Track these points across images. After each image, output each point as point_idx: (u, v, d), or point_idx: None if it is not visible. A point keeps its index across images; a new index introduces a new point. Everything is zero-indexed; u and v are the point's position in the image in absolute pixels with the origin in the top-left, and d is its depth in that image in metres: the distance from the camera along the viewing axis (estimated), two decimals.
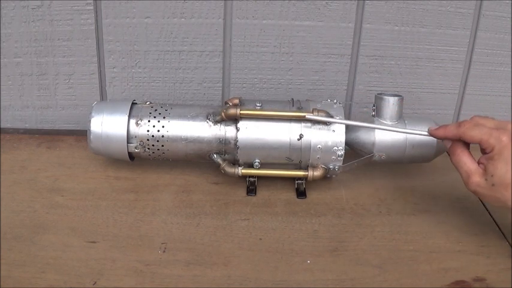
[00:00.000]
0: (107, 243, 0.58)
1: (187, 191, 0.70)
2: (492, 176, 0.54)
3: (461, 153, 0.58)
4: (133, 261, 0.55)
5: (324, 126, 0.67)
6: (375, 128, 0.69)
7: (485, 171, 0.55)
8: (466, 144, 0.59)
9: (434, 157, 0.72)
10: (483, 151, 0.57)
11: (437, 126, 0.61)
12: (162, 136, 0.69)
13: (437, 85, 0.87)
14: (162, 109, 0.70)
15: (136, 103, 0.71)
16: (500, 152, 0.54)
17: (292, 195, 0.70)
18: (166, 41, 0.81)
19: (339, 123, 0.67)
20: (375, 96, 0.72)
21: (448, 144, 0.60)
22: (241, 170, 0.68)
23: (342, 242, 0.60)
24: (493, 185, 0.55)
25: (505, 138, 0.54)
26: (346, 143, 0.68)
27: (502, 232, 0.63)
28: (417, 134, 0.66)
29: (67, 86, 0.84)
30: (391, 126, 0.69)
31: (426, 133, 0.62)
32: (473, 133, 0.57)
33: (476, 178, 0.56)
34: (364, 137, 0.70)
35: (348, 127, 0.71)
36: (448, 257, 0.58)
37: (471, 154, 0.58)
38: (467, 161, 0.57)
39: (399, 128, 0.68)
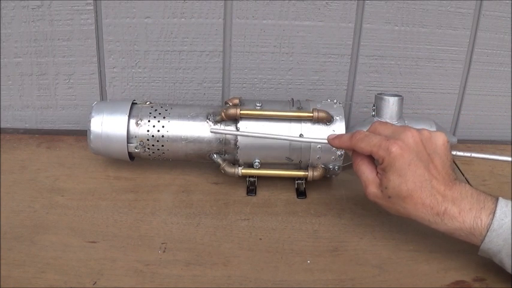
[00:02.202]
0: (107, 243, 0.58)
1: (187, 191, 0.70)
2: (386, 188, 0.53)
3: (360, 162, 0.56)
4: (133, 261, 0.55)
5: (323, 126, 0.67)
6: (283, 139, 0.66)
7: (381, 182, 0.54)
8: (364, 156, 0.56)
9: None
10: (378, 162, 0.54)
11: (335, 135, 0.59)
12: (162, 136, 0.69)
13: (437, 85, 0.87)
14: (162, 109, 0.70)
15: (136, 103, 0.71)
16: (391, 163, 0.52)
17: (292, 195, 0.70)
18: (166, 41, 0.81)
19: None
20: (375, 96, 0.72)
21: (350, 152, 0.58)
22: (241, 170, 0.68)
23: (342, 242, 0.60)
24: (389, 197, 0.53)
25: (394, 149, 0.52)
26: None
27: None
28: (317, 142, 0.65)
29: (67, 86, 0.84)
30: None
31: (325, 141, 0.61)
32: (363, 145, 0.54)
33: (373, 188, 0.54)
34: None
35: (348, 126, 0.71)
36: (448, 257, 0.58)
37: (372, 162, 0.56)
38: (365, 171, 0.55)
39: (299, 138, 0.66)
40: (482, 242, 0.50)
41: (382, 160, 0.53)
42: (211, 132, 0.66)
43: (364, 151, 0.55)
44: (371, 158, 0.56)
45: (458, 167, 0.79)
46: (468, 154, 0.60)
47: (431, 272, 0.56)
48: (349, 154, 0.59)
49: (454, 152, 0.56)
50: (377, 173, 0.55)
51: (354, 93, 0.87)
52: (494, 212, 0.50)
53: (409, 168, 0.52)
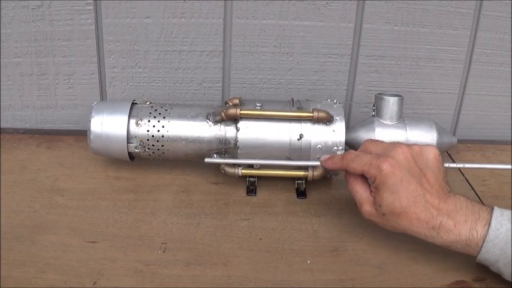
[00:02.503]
0: (107, 243, 0.58)
1: (187, 191, 0.70)
2: (380, 206, 0.53)
3: (353, 182, 0.56)
4: (133, 261, 0.55)
5: (323, 126, 0.67)
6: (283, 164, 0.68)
7: (374, 200, 0.54)
8: (357, 175, 0.57)
9: None
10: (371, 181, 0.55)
11: (327, 157, 0.60)
12: (162, 136, 0.69)
13: (437, 85, 0.87)
14: (162, 109, 0.70)
15: (136, 103, 0.71)
16: (383, 181, 0.52)
17: (292, 195, 0.70)
18: (166, 41, 0.81)
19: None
20: (375, 96, 0.72)
21: (344, 172, 0.59)
22: (241, 170, 0.68)
23: (342, 242, 0.60)
24: (383, 214, 0.53)
25: (385, 167, 0.52)
26: (346, 143, 0.68)
27: None
28: (310, 166, 0.66)
29: (67, 86, 0.84)
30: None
31: (318, 163, 0.62)
32: (355, 165, 0.55)
33: (367, 207, 0.55)
34: (364, 136, 0.70)
35: (348, 126, 0.71)
36: (448, 257, 0.58)
37: (365, 181, 0.56)
38: (359, 190, 0.56)
39: (291, 162, 0.67)
40: (478, 253, 0.51)
41: (374, 178, 0.53)
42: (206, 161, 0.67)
43: (356, 171, 0.55)
44: (364, 177, 0.56)
45: (459, 169, 0.79)
46: (461, 165, 0.60)
47: (431, 272, 0.56)
48: (343, 173, 0.59)
49: (446, 165, 0.57)
50: (370, 191, 0.55)
51: (354, 93, 0.87)
52: (489, 223, 0.50)
53: (402, 184, 0.52)
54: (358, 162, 0.55)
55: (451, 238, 0.51)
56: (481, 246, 0.50)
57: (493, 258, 0.50)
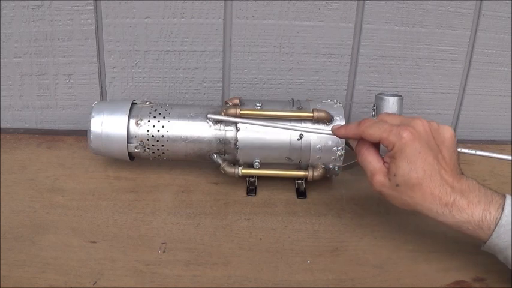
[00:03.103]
0: (107, 243, 0.58)
1: (187, 191, 0.70)
2: (395, 175, 0.51)
3: (366, 152, 0.54)
4: (133, 261, 0.55)
5: (324, 126, 0.67)
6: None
7: (389, 170, 0.52)
8: (374, 143, 0.55)
9: None
10: (387, 149, 0.53)
11: (339, 125, 0.58)
12: (162, 136, 0.69)
13: (437, 85, 0.87)
14: (162, 109, 0.70)
15: (136, 103, 0.71)
16: (401, 149, 0.51)
17: (292, 195, 0.70)
18: (166, 41, 0.81)
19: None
20: (375, 96, 0.72)
21: (354, 143, 0.57)
22: (241, 170, 0.68)
23: (342, 242, 0.60)
24: (397, 185, 0.51)
25: (406, 134, 0.51)
26: (346, 143, 0.68)
27: None
28: (321, 133, 0.64)
29: (67, 86, 0.84)
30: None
31: (330, 132, 0.59)
32: (372, 131, 0.53)
33: (380, 177, 0.53)
34: None
35: None
36: (448, 257, 0.58)
37: (377, 152, 0.54)
38: (372, 160, 0.54)
39: (303, 127, 0.65)
40: (490, 237, 0.49)
41: (393, 146, 0.52)
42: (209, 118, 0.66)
43: (373, 137, 0.53)
44: (376, 148, 0.55)
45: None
46: (473, 152, 0.59)
47: (431, 272, 0.56)
48: (353, 146, 0.58)
49: (459, 149, 0.56)
50: (384, 162, 0.54)
51: (354, 93, 0.87)
52: (503, 207, 0.49)
53: (420, 155, 0.51)
54: (376, 128, 0.53)
55: (464, 218, 0.50)
56: (493, 230, 0.49)
57: (503, 244, 0.49)
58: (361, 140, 0.56)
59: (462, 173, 0.53)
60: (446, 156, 0.52)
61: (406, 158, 0.51)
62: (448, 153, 0.53)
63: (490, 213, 0.49)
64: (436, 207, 0.51)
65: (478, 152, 0.60)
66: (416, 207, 0.52)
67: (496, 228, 0.49)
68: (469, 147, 0.59)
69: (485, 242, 0.50)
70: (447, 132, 0.54)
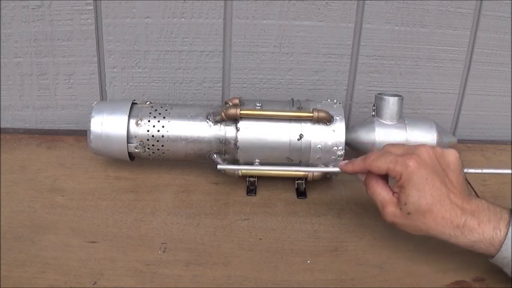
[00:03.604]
0: (107, 243, 0.58)
1: (187, 191, 0.70)
2: (405, 204, 0.52)
3: (375, 185, 0.56)
4: (133, 261, 0.55)
5: (323, 126, 0.67)
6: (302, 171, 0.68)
7: (399, 200, 0.53)
8: (382, 175, 0.56)
9: None
10: (395, 180, 0.54)
11: (347, 162, 0.60)
12: (162, 136, 0.69)
13: (437, 85, 0.87)
14: (162, 109, 0.70)
15: (136, 103, 0.71)
16: (408, 178, 0.52)
17: (292, 195, 0.70)
18: (166, 41, 0.81)
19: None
20: (375, 96, 0.72)
21: (363, 177, 0.58)
22: (241, 170, 0.68)
23: (342, 242, 0.60)
24: (409, 213, 0.52)
25: (411, 163, 0.52)
26: (346, 143, 0.68)
27: None
28: (330, 172, 0.65)
29: (67, 86, 0.84)
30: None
31: (338, 170, 0.61)
32: (379, 163, 0.55)
33: (391, 208, 0.54)
34: (364, 137, 0.70)
35: (348, 126, 0.71)
36: (448, 257, 0.58)
37: (386, 184, 0.56)
38: (381, 192, 0.55)
39: (311, 168, 0.67)
40: (499, 251, 0.50)
41: (400, 176, 0.53)
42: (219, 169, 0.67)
43: (381, 169, 0.55)
44: (384, 180, 0.56)
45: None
46: (479, 170, 0.60)
47: (431, 272, 0.56)
48: (361, 179, 0.59)
49: (465, 170, 0.57)
50: (393, 192, 0.55)
51: (354, 93, 0.87)
52: (510, 222, 0.50)
53: (427, 182, 0.52)
54: (382, 160, 0.54)
55: (475, 237, 0.51)
56: (502, 243, 0.50)
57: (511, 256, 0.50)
58: (369, 173, 0.57)
59: (470, 194, 0.54)
60: (453, 179, 0.53)
61: (414, 186, 0.52)
62: (455, 176, 0.54)
63: (500, 230, 0.50)
64: (448, 230, 0.52)
65: (484, 170, 0.60)
66: (429, 232, 0.53)
67: (505, 241, 0.50)
68: (475, 167, 0.59)
69: (493, 256, 0.51)
70: (451, 155, 0.55)
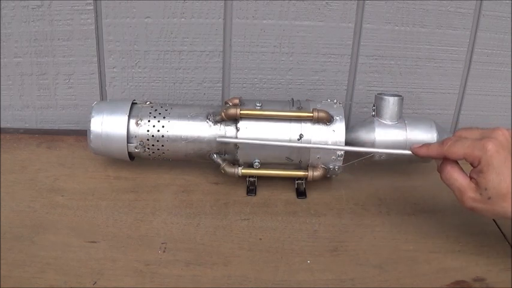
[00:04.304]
0: (107, 243, 0.58)
1: (187, 191, 0.70)
2: (486, 189, 0.52)
3: (451, 170, 0.55)
4: (133, 261, 0.55)
5: (323, 126, 0.67)
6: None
7: (477, 185, 0.53)
8: (454, 162, 0.56)
9: None
10: (472, 166, 0.54)
11: (421, 145, 0.59)
12: (162, 136, 0.69)
13: (437, 85, 0.87)
14: (162, 109, 0.70)
15: (136, 103, 0.71)
16: (488, 162, 0.52)
17: (292, 195, 0.70)
18: (166, 41, 0.81)
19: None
20: (375, 96, 0.72)
21: (438, 162, 0.58)
22: (241, 170, 0.68)
23: (342, 242, 0.60)
24: (489, 198, 0.52)
25: (490, 147, 0.52)
26: (346, 143, 0.68)
27: (502, 232, 0.63)
28: (399, 154, 0.64)
29: (67, 86, 0.84)
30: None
31: (409, 152, 0.60)
32: (456, 148, 0.54)
33: (471, 194, 0.53)
34: (364, 136, 0.70)
35: (348, 126, 0.71)
36: (448, 257, 0.58)
37: (462, 169, 0.55)
38: (458, 177, 0.55)
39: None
40: None
41: (479, 161, 0.52)
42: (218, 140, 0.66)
43: (458, 155, 0.54)
44: (460, 166, 0.56)
45: None
46: None
47: (431, 272, 0.56)
48: (437, 164, 0.58)
49: None
50: (470, 178, 0.54)
51: (354, 93, 0.87)
52: None
53: (505, 164, 0.51)
54: (459, 145, 0.54)
55: None
56: None
57: None
58: (444, 158, 0.56)
59: None
60: None
61: (494, 170, 0.52)
62: None
63: None
64: None
65: None
66: (506, 215, 0.52)
67: None
68: None
69: None
70: None
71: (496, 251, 0.59)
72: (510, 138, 0.54)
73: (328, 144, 0.67)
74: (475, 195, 0.53)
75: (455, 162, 0.56)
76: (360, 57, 0.84)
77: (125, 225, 0.62)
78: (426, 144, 0.59)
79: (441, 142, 0.57)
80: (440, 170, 0.57)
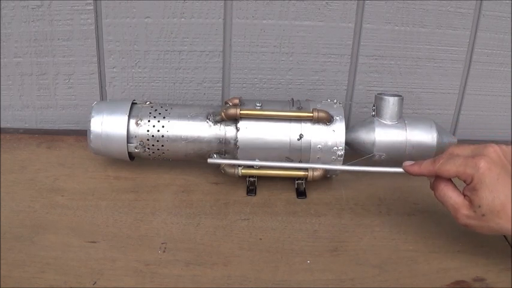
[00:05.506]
0: (107, 243, 0.58)
1: (187, 191, 0.70)
2: (480, 206, 0.52)
3: (445, 188, 0.55)
4: (133, 261, 0.55)
5: (323, 126, 0.67)
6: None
7: (471, 203, 0.53)
8: (447, 180, 0.56)
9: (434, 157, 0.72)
10: (465, 183, 0.54)
11: (412, 163, 0.59)
12: (162, 136, 0.69)
13: (437, 85, 0.87)
14: (162, 109, 0.70)
15: (136, 103, 0.71)
16: (481, 180, 0.52)
17: (292, 195, 0.70)
18: (166, 41, 0.81)
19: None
20: (375, 96, 0.72)
21: (431, 180, 0.58)
22: (241, 170, 0.68)
23: (342, 242, 0.60)
24: (483, 215, 0.52)
25: (482, 164, 0.52)
26: (346, 143, 0.68)
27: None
28: (391, 172, 0.63)
29: (67, 86, 0.84)
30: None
31: (401, 170, 0.60)
32: (448, 167, 0.54)
33: (465, 211, 0.53)
34: (364, 136, 0.70)
35: (348, 126, 0.71)
36: (448, 257, 0.58)
37: (456, 187, 0.55)
38: (452, 195, 0.55)
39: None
40: None
41: (471, 178, 0.53)
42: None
43: (450, 173, 0.54)
44: (453, 183, 0.56)
45: None
46: None
47: (431, 272, 0.56)
48: (430, 181, 0.58)
49: None
50: (464, 195, 0.54)
51: (354, 93, 0.87)
52: None
53: (498, 182, 0.52)
54: (451, 164, 0.54)
55: None
56: None
57: None
58: (437, 176, 0.56)
59: None
60: None
61: (487, 188, 0.52)
62: None
63: None
64: None
65: None
66: (501, 231, 0.53)
67: None
68: None
69: None
70: None
71: (496, 251, 0.59)
72: (502, 155, 0.54)
73: (327, 145, 0.67)
74: (469, 212, 0.53)
75: (449, 179, 0.56)
76: (360, 57, 0.84)
77: (125, 225, 0.62)
78: (418, 162, 0.58)
79: (433, 160, 0.56)
80: (433, 188, 0.57)
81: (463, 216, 0.53)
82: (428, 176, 0.58)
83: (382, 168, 0.63)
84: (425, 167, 0.57)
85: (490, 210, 0.52)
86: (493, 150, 0.54)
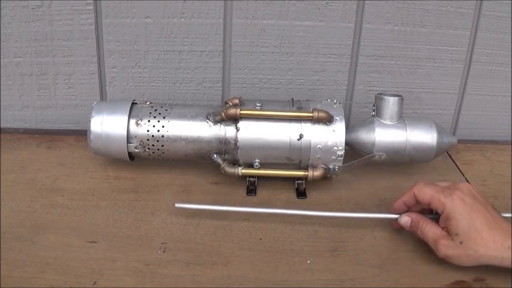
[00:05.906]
0: (107, 243, 0.58)
1: (187, 191, 0.70)
2: (457, 234, 0.54)
3: (423, 224, 0.57)
4: (133, 261, 0.55)
5: (323, 126, 0.67)
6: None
7: (449, 233, 0.55)
8: (425, 217, 0.58)
9: (434, 157, 0.72)
10: (437, 212, 0.57)
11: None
12: (162, 136, 0.69)
13: (437, 85, 0.87)
14: (162, 109, 0.70)
15: (136, 103, 0.71)
16: (454, 209, 0.54)
17: (292, 195, 0.70)
18: (166, 41, 0.81)
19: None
20: (375, 96, 0.72)
21: (408, 223, 0.59)
22: (241, 170, 0.68)
23: (342, 242, 0.60)
24: (461, 242, 0.54)
25: (456, 195, 0.55)
26: (346, 143, 0.68)
27: None
28: (387, 218, 0.63)
29: (67, 86, 0.84)
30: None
31: (396, 216, 0.61)
32: (425, 189, 0.57)
33: (444, 241, 0.55)
34: (364, 137, 0.70)
35: (348, 126, 0.71)
36: None
37: (434, 221, 0.57)
38: (431, 228, 0.57)
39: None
40: None
41: (443, 207, 0.55)
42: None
43: (426, 196, 0.57)
44: (430, 219, 0.58)
45: (458, 167, 0.79)
46: (508, 215, 0.60)
47: (431, 272, 0.56)
48: (407, 226, 0.59)
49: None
50: (442, 228, 0.56)
51: (354, 93, 0.87)
52: None
53: (472, 210, 0.54)
54: (429, 188, 0.57)
55: None
56: None
57: None
58: (413, 216, 0.59)
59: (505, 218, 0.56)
60: (491, 209, 0.56)
61: (461, 216, 0.54)
62: (492, 207, 0.56)
63: None
64: (501, 253, 0.53)
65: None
66: (480, 260, 0.54)
67: None
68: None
69: None
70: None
71: None
72: (472, 189, 0.57)
73: (328, 145, 0.67)
74: (448, 242, 0.55)
75: (424, 217, 0.58)
76: (360, 57, 0.84)
77: (125, 225, 0.62)
78: (400, 199, 0.61)
79: (410, 188, 0.59)
80: (413, 228, 0.59)
81: (442, 246, 0.55)
82: (408, 206, 0.60)
83: (374, 215, 0.64)
84: (405, 196, 0.60)
85: (467, 237, 0.54)
86: (464, 185, 0.57)
